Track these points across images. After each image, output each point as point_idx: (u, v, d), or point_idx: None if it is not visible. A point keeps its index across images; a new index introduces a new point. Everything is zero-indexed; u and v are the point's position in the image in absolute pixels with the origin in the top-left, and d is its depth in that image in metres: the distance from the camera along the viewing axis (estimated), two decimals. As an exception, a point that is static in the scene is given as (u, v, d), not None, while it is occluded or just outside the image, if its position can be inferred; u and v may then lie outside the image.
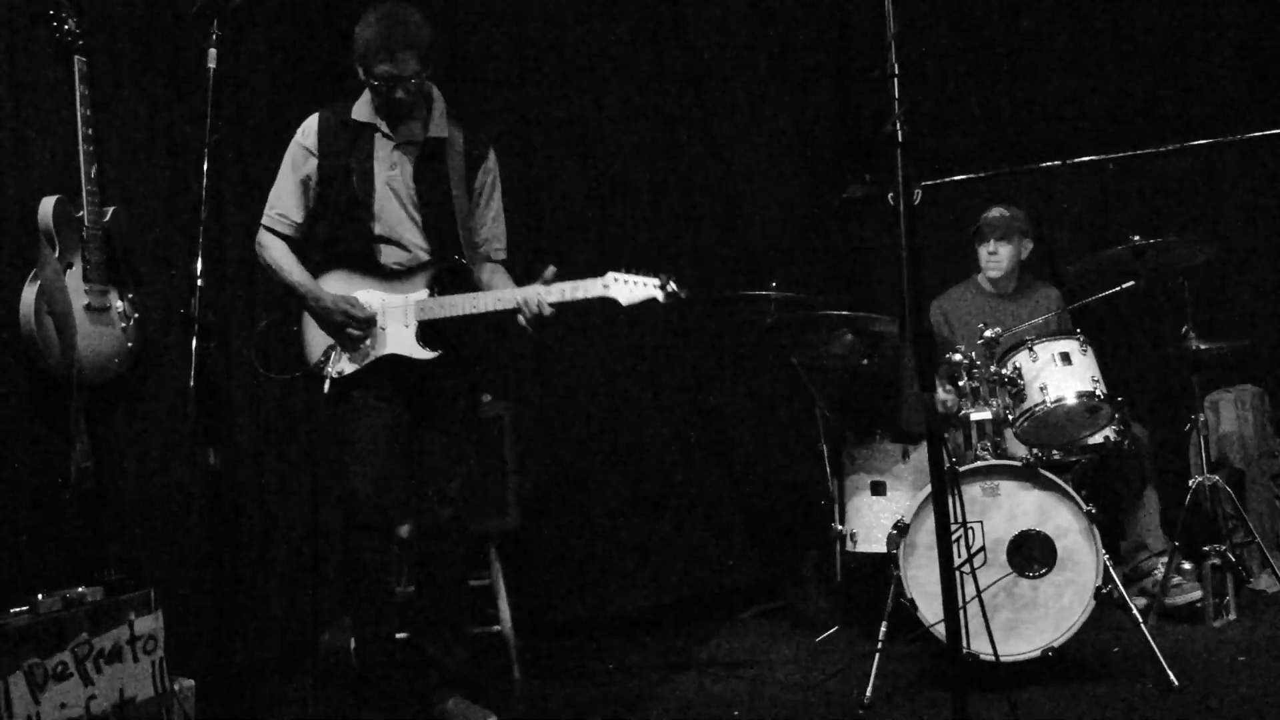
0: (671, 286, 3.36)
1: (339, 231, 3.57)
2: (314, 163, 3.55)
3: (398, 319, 3.50)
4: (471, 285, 3.59)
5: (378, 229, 3.53)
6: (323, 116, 3.58)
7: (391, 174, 3.53)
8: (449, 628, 3.64)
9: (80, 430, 3.68)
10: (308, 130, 3.57)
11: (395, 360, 3.50)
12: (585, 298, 3.38)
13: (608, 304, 3.36)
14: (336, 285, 3.54)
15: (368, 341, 3.50)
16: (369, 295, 3.52)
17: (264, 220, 3.60)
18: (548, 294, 3.37)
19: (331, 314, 3.48)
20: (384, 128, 3.53)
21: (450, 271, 3.54)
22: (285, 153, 3.59)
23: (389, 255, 3.55)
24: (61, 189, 3.71)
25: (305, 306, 3.55)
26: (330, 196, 3.55)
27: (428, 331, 3.49)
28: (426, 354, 3.48)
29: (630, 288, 3.35)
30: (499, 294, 3.45)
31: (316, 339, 3.56)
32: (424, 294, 3.50)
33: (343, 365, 3.52)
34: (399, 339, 3.49)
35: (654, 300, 3.36)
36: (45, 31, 3.74)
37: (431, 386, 3.56)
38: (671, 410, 5.25)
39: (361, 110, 3.55)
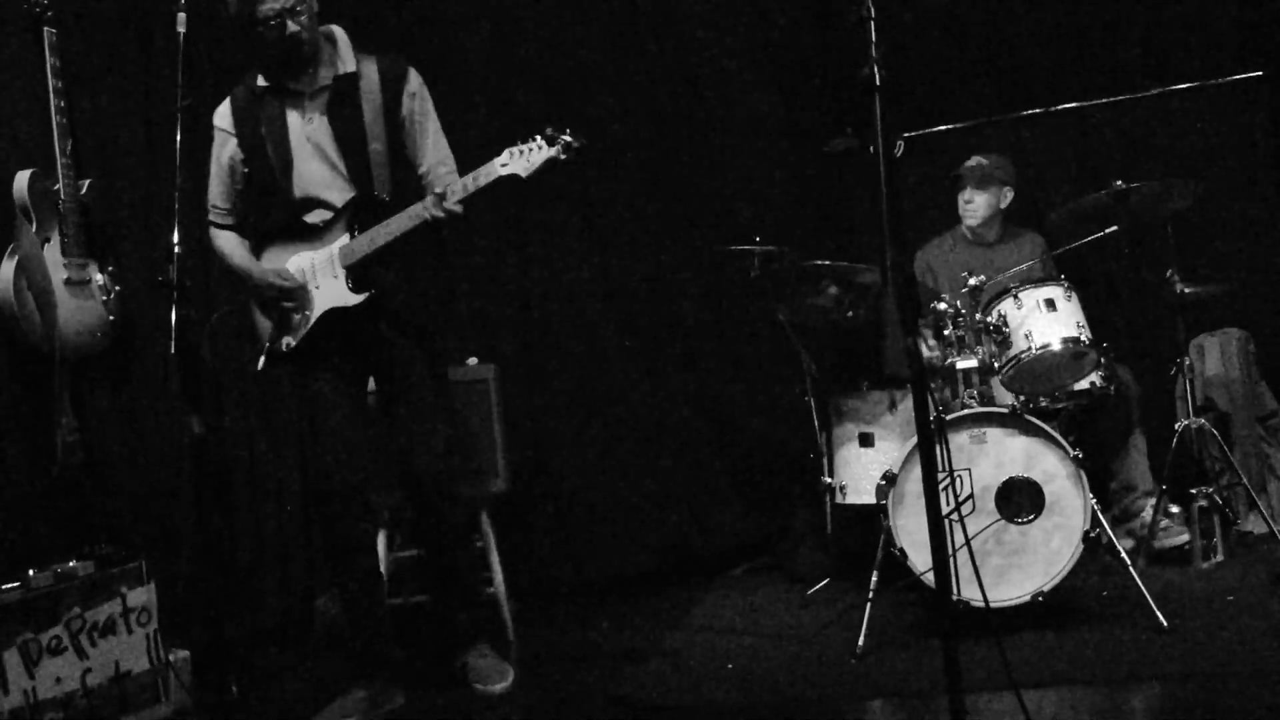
0: (565, 138, 3.25)
1: (265, 204, 3.54)
2: (233, 142, 3.52)
3: (327, 273, 3.45)
4: None
5: (297, 192, 3.47)
6: (234, 93, 3.54)
7: (309, 128, 3.46)
8: (458, 587, 3.71)
9: (65, 404, 3.67)
10: (222, 112, 3.54)
11: (336, 318, 3.44)
12: (489, 182, 3.29)
13: (511, 182, 3.27)
14: (272, 260, 3.52)
15: (303, 309, 3.47)
16: (299, 260, 3.49)
17: (208, 216, 3.60)
18: (451, 195, 3.30)
19: (263, 291, 3.47)
20: (290, 84, 3.45)
21: (367, 208, 3.44)
22: None
23: (314, 215, 3.49)
24: (36, 163, 3.68)
25: (247, 289, 3.54)
26: (254, 172, 3.51)
27: (359, 276, 3.43)
28: (357, 298, 3.41)
29: (526, 158, 3.26)
30: (407, 211, 3.35)
31: (263, 318, 3.55)
32: (345, 239, 3.44)
33: (288, 338, 3.49)
34: (331, 293, 3.45)
35: (554, 160, 3.26)
36: (13, 3, 3.69)
37: (384, 356, 3.53)
38: (658, 368, 5.25)
39: (265, 76, 3.49)
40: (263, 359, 3.53)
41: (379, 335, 3.50)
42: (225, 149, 3.53)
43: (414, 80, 3.52)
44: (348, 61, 3.47)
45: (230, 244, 3.57)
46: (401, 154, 3.52)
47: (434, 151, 3.54)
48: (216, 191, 3.57)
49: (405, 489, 3.64)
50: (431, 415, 3.57)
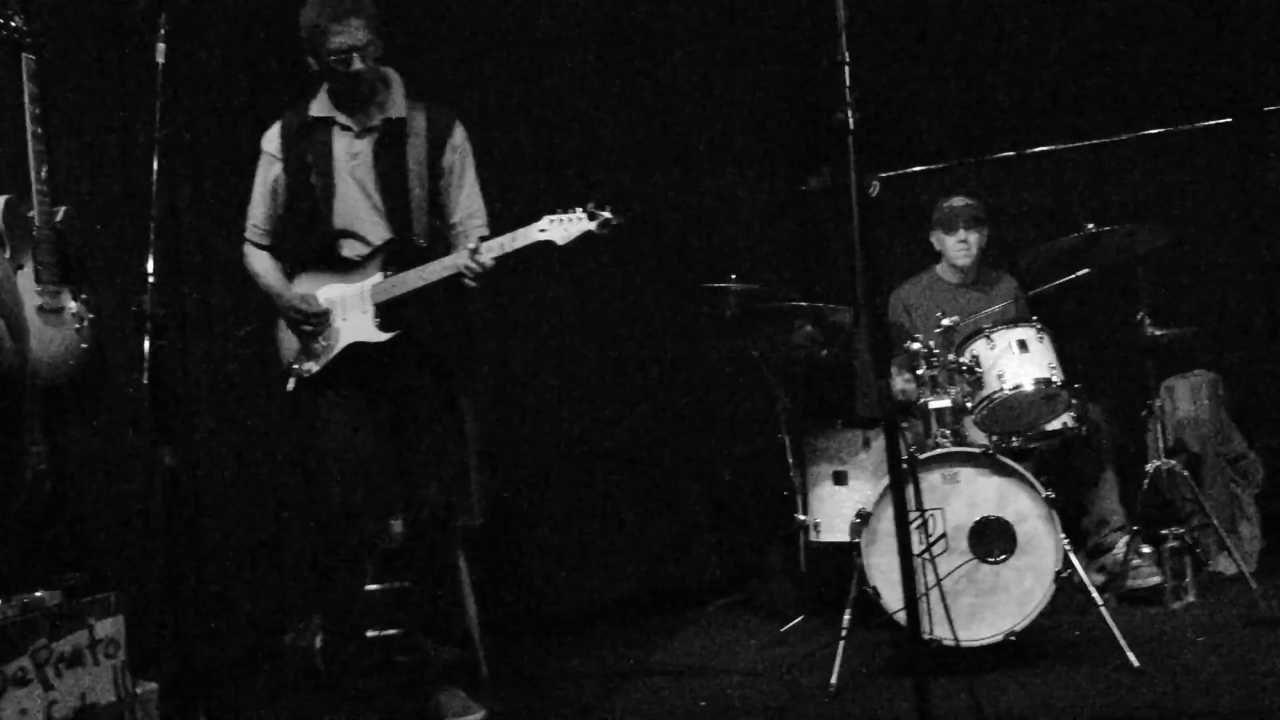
0: (605, 214, 3.31)
1: (303, 232, 3.58)
2: (278, 167, 3.58)
3: (356, 308, 3.48)
4: None
5: (337, 223, 3.52)
6: (285, 119, 3.60)
7: (354, 164, 3.52)
8: (439, 623, 3.67)
9: (36, 433, 3.63)
10: (271, 136, 3.61)
11: (359, 352, 3.47)
12: (525, 245, 3.35)
13: (546, 247, 3.33)
14: (304, 286, 3.55)
15: (327, 338, 3.49)
16: (329, 291, 3.51)
17: (245, 233, 3.66)
18: (487, 250, 3.35)
19: (288, 313, 3.50)
20: (341, 119, 3.52)
21: (404, 251, 3.48)
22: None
23: (350, 249, 3.54)
24: (11, 189, 3.65)
25: (277, 310, 3.58)
26: (296, 198, 3.56)
27: (387, 314, 3.46)
28: (383, 336, 3.45)
29: (565, 226, 3.32)
30: (442, 261, 3.40)
31: (288, 340, 3.58)
32: (379, 277, 3.48)
33: (310, 364, 3.51)
34: (357, 328, 3.48)
35: (589, 233, 3.32)
36: (-9, 30, 3.69)
37: (403, 386, 3.55)
38: (633, 404, 5.25)
39: (319, 105, 3.55)
40: (292, 382, 3.56)
41: (399, 370, 3.52)
42: (270, 172, 3.59)
43: (459, 134, 3.59)
44: (399, 106, 3.53)
45: (264, 264, 3.63)
46: (439, 203, 3.57)
47: (466, 204, 3.61)
48: (259, 212, 3.63)
49: (405, 519, 3.65)
50: (442, 448, 3.61)
